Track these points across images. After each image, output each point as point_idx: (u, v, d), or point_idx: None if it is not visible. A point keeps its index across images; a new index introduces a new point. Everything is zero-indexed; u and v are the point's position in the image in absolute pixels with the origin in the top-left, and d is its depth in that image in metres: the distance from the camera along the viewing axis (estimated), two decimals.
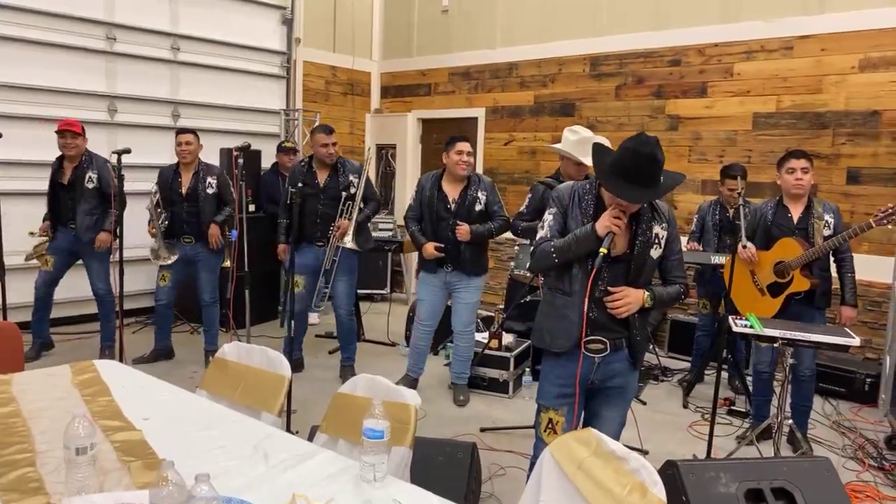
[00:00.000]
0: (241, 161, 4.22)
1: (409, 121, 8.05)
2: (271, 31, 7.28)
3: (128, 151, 4.22)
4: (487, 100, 7.34)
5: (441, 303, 4.47)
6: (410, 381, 4.47)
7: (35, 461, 1.77)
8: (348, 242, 4.42)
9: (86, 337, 5.45)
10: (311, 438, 2.27)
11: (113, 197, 4.61)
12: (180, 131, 4.87)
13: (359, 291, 6.26)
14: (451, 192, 4.27)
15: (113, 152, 4.22)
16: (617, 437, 2.43)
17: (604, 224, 2.29)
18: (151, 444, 1.91)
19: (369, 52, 8.35)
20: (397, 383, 2.12)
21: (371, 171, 8.37)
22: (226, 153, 6.12)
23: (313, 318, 6.31)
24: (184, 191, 4.83)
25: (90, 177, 4.77)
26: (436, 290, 4.40)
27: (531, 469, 2.60)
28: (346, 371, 4.78)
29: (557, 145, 3.87)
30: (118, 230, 4.49)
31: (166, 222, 4.83)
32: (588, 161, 3.50)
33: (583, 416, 2.63)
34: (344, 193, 4.54)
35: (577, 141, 3.73)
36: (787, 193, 3.74)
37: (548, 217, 2.48)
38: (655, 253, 2.42)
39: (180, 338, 5.27)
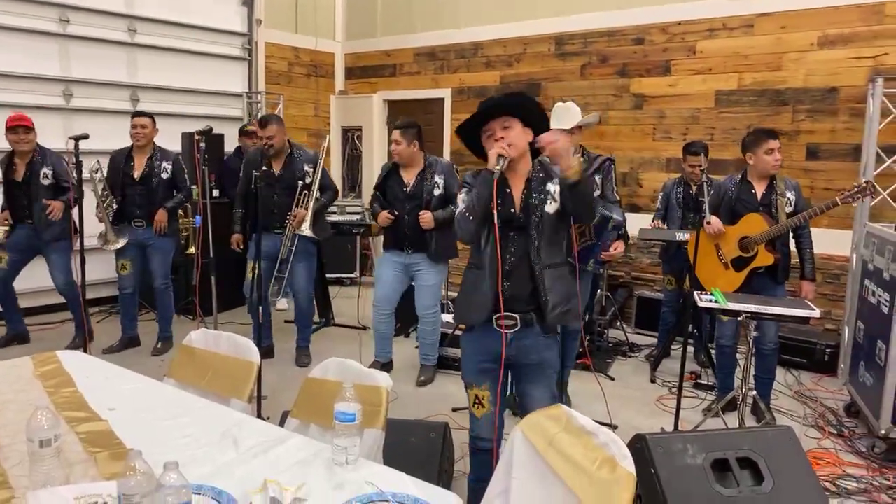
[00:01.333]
0: (203, 145, 4.14)
1: (374, 102, 7.97)
2: (232, 12, 7.12)
3: (85, 137, 4.10)
4: (453, 80, 7.30)
5: (399, 284, 4.46)
6: (381, 367, 4.46)
7: None
8: (306, 231, 4.42)
9: (57, 327, 5.35)
10: (282, 424, 2.26)
11: (71, 186, 4.47)
12: (136, 114, 4.76)
13: (328, 276, 6.23)
14: (407, 176, 4.33)
15: (70, 138, 4.09)
16: None
17: (491, 154, 2.37)
18: (118, 434, 1.88)
19: (333, 33, 8.22)
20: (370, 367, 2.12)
21: (335, 155, 8.30)
22: (187, 137, 5.99)
23: (282, 303, 6.25)
24: (137, 175, 4.72)
25: (45, 173, 4.65)
26: (396, 272, 4.40)
27: (471, 441, 2.64)
28: (302, 353, 4.85)
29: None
30: (79, 219, 4.37)
31: (114, 206, 4.70)
32: (566, 125, 3.61)
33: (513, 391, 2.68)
34: (300, 183, 4.52)
35: (554, 114, 3.75)
36: (765, 172, 3.75)
37: (461, 195, 2.52)
38: (551, 207, 2.44)
39: (146, 326, 5.20)
